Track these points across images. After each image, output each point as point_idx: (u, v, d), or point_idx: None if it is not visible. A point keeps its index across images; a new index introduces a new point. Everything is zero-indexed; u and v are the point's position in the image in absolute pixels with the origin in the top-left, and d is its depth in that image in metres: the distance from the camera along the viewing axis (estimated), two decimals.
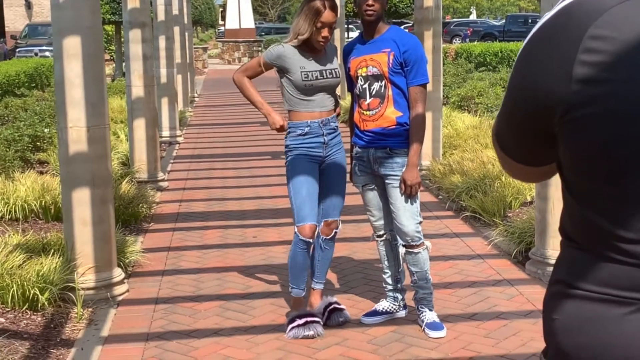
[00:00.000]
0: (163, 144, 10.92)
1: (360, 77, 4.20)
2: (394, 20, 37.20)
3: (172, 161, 10.16)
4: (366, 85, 4.18)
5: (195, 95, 19.47)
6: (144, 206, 6.95)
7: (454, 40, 37.04)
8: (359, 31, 9.49)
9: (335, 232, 4.36)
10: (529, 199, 6.61)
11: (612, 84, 0.99)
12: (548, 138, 1.11)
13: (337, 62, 4.35)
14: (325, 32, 4.13)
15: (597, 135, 1.02)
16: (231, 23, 35.15)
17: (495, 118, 1.25)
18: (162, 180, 8.49)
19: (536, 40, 1.09)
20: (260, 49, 34.60)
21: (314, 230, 4.19)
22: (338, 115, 4.40)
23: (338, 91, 4.48)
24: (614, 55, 0.99)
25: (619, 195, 1.03)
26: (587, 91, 1.01)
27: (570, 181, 1.12)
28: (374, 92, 4.17)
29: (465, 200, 6.74)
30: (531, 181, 1.34)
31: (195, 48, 26.36)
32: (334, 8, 4.16)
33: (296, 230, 4.19)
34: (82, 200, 4.69)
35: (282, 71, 4.23)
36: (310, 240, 4.19)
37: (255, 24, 40.10)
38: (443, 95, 10.22)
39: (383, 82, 4.14)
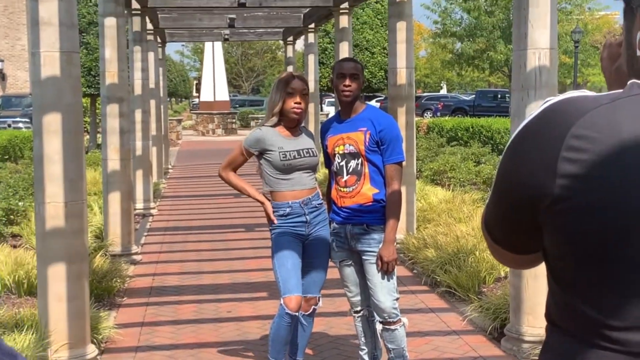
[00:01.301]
0: (137, 217, 10.88)
1: (337, 155, 4.28)
2: (366, 94, 37.82)
3: (145, 234, 10.11)
4: (343, 163, 4.26)
5: (169, 166, 19.50)
6: (118, 280, 6.90)
7: (425, 114, 37.67)
8: (333, 107, 9.58)
9: (315, 309, 4.38)
10: (502, 274, 6.66)
11: (592, 180, 1.06)
12: (534, 228, 1.16)
13: (313, 144, 4.45)
14: (297, 99, 4.24)
15: (579, 226, 1.08)
16: (206, 95, 35.48)
17: (484, 207, 1.31)
18: (136, 253, 8.44)
19: (523, 136, 1.16)
20: (234, 120, 34.88)
21: (299, 302, 4.20)
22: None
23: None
24: (594, 153, 1.06)
25: (604, 284, 1.08)
26: (570, 186, 1.07)
27: (555, 269, 1.17)
28: (351, 170, 4.24)
29: (440, 275, 6.77)
30: (519, 268, 1.39)
31: (169, 119, 26.50)
32: (302, 78, 4.34)
33: (282, 302, 4.19)
34: (57, 276, 4.66)
35: (261, 153, 4.32)
36: (296, 313, 4.20)
37: (230, 96, 40.50)
38: (416, 169, 10.35)
39: (360, 160, 4.23)
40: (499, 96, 36.56)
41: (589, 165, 1.06)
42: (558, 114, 1.11)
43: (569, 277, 1.14)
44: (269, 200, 4.36)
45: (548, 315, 1.22)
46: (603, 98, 1.10)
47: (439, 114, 35.96)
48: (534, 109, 1.19)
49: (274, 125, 4.34)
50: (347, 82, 4.20)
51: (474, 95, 40.99)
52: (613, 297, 1.07)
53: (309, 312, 4.35)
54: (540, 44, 4.90)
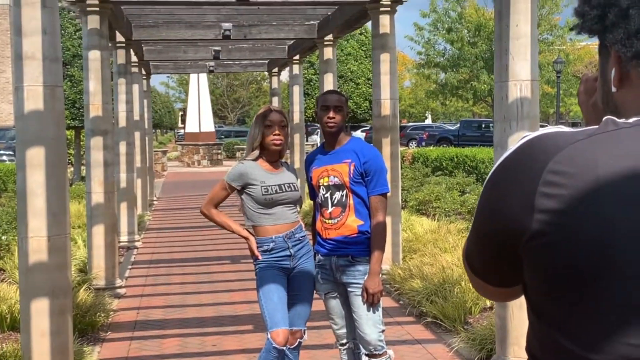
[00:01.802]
0: (121, 249, 10.81)
1: (322, 187, 4.29)
2: (352, 125, 37.99)
3: (130, 267, 10.05)
4: (328, 195, 4.27)
5: (154, 198, 19.43)
6: (101, 314, 6.83)
7: (410, 144, 37.83)
8: (318, 138, 9.64)
9: (300, 342, 4.35)
10: (488, 304, 6.66)
11: (569, 215, 1.07)
12: (513, 261, 1.17)
13: (296, 179, 4.46)
14: (275, 131, 4.26)
15: (558, 261, 1.09)
16: (191, 126, 35.52)
17: (465, 239, 1.31)
18: (120, 287, 8.38)
19: (501, 171, 1.17)
20: (220, 151, 34.88)
21: (287, 336, 4.18)
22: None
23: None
24: (571, 188, 1.07)
25: (584, 318, 1.09)
26: (547, 221, 1.09)
27: (535, 303, 1.17)
28: (335, 201, 4.25)
29: (426, 306, 6.76)
30: (500, 300, 1.39)
31: (154, 151, 26.48)
32: (279, 111, 4.39)
33: (269, 336, 4.17)
34: (40, 311, 4.61)
35: (243, 187, 4.33)
36: (284, 347, 4.17)
37: (215, 127, 40.57)
38: (401, 200, 10.37)
39: (344, 192, 4.23)
40: (483, 126, 36.79)
41: (565, 200, 1.07)
42: (535, 150, 1.12)
43: (549, 311, 1.14)
44: (253, 235, 4.36)
45: (529, 349, 1.22)
46: (579, 134, 1.12)
47: (424, 143, 36.13)
48: (516, 140, 1.21)
49: (256, 159, 4.36)
50: (331, 114, 4.22)
51: (458, 125, 41.24)
52: (594, 331, 1.08)
53: (294, 346, 4.32)
54: (521, 76, 4.95)
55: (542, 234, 1.09)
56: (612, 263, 1.05)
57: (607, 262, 1.05)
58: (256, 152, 4.35)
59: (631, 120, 1.11)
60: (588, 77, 1.31)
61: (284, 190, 4.32)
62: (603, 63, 1.22)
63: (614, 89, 1.19)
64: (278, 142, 4.30)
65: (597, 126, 1.13)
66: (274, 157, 4.40)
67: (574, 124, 50.47)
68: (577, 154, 1.08)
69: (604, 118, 1.13)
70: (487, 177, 1.21)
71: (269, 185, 4.28)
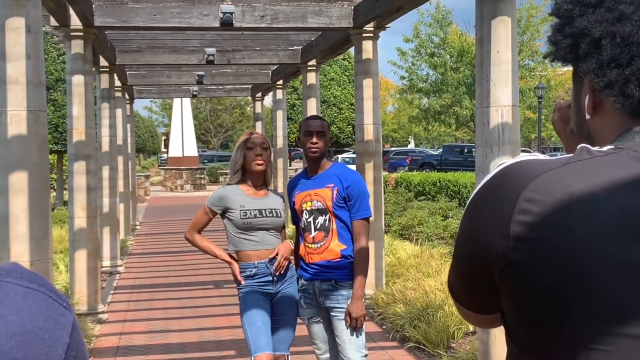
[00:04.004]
0: (104, 274, 10.75)
1: (305, 211, 4.31)
2: (335, 149, 38.08)
3: (112, 292, 9.98)
4: (311, 219, 4.28)
5: (137, 223, 19.35)
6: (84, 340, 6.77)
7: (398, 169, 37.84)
8: (302, 163, 9.65)
9: None
10: (471, 329, 6.67)
11: (541, 243, 1.08)
12: (493, 289, 1.18)
13: (280, 205, 4.46)
14: (257, 151, 4.28)
15: (533, 289, 1.10)
16: (174, 151, 35.46)
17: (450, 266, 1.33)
18: (102, 312, 8.32)
19: (478, 198, 1.19)
20: (203, 176, 34.83)
21: None
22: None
23: None
24: (542, 216, 1.08)
25: (561, 346, 1.10)
26: (521, 248, 1.10)
27: (513, 331, 1.18)
28: (318, 226, 4.26)
29: (409, 331, 6.76)
30: (483, 327, 1.40)
31: (137, 176, 26.40)
32: (261, 134, 4.46)
33: None
34: None
35: (224, 212, 4.34)
36: None
37: (199, 151, 40.53)
38: (384, 224, 10.40)
39: (327, 216, 4.25)
40: (466, 151, 36.98)
41: (539, 228, 1.08)
42: (510, 178, 1.14)
43: (525, 338, 1.15)
44: (236, 260, 4.36)
45: None
46: (554, 162, 1.13)
47: (406, 168, 36.24)
48: (497, 165, 1.22)
49: (239, 183, 4.38)
50: (314, 139, 4.25)
51: (441, 150, 41.42)
52: (570, 357, 1.09)
53: None
54: (502, 102, 5.01)
55: (517, 261, 1.10)
56: (587, 291, 1.06)
57: (581, 290, 1.06)
58: (238, 175, 4.37)
59: (605, 148, 1.13)
60: (561, 105, 1.33)
61: (265, 215, 4.33)
62: (577, 90, 1.24)
63: (587, 116, 1.21)
64: (260, 162, 4.32)
65: (571, 155, 1.15)
66: (259, 181, 4.41)
67: (555, 150, 50.82)
68: (550, 182, 1.10)
69: (579, 146, 1.15)
70: (466, 204, 1.23)
71: (248, 210, 4.30)
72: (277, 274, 4.33)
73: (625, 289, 1.05)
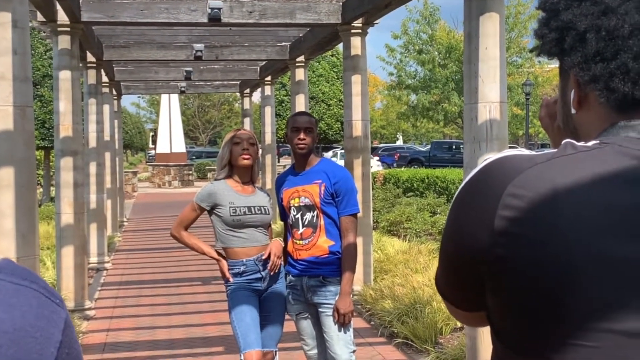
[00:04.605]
0: (91, 271, 10.71)
1: (292, 208, 4.30)
2: (324, 146, 38.09)
3: (99, 288, 9.95)
4: (299, 216, 4.28)
5: (125, 219, 19.29)
6: None
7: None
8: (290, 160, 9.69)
9: None
10: (459, 324, 6.68)
11: (524, 238, 1.08)
12: (479, 286, 1.17)
13: (268, 202, 4.46)
14: (244, 146, 4.28)
15: (519, 286, 1.09)
16: (162, 147, 35.36)
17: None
18: (89, 308, 8.30)
19: (463, 194, 1.18)
20: (191, 172, 34.76)
21: (260, 357, 4.17)
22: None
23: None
24: (526, 211, 1.08)
25: (547, 344, 1.09)
26: (506, 244, 1.09)
27: (498, 328, 1.18)
28: (306, 222, 4.26)
29: (397, 327, 6.77)
30: (472, 325, 1.39)
31: (125, 172, 26.32)
32: (248, 130, 4.46)
33: (242, 357, 4.16)
34: None
35: (212, 208, 4.33)
36: None
37: (187, 148, 40.45)
38: (373, 220, 10.41)
39: (315, 212, 4.25)
40: (454, 147, 37.05)
41: (523, 223, 1.08)
42: (495, 173, 1.13)
43: (513, 338, 1.14)
44: (224, 257, 4.35)
45: None
46: (539, 157, 1.13)
47: (395, 165, 36.28)
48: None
49: (226, 178, 4.37)
50: (302, 135, 4.24)
51: (429, 146, 41.48)
52: (554, 355, 1.08)
53: None
54: (490, 98, 5.02)
55: (501, 257, 1.10)
56: (571, 287, 1.06)
57: (565, 285, 1.06)
58: (225, 170, 4.36)
59: (590, 143, 1.13)
60: (548, 100, 1.33)
61: (254, 212, 4.32)
62: (563, 85, 1.24)
63: (573, 111, 1.21)
64: (247, 157, 4.31)
65: (556, 149, 1.14)
66: (246, 178, 4.40)
67: (542, 146, 51.01)
68: (535, 177, 1.09)
69: (564, 141, 1.14)
70: (452, 200, 1.22)
71: (238, 207, 4.29)
72: (272, 273, 4.32)
73: (610, 284, 1.05)
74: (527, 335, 1.11)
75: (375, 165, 30.88)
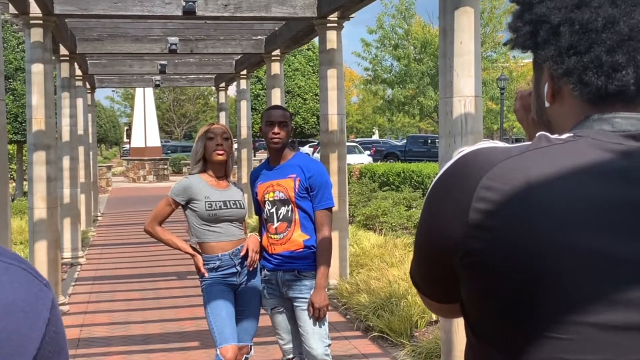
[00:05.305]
0: (64, 266, 10.62)
1: (267, 202, 4.29)
2: (299, 140, 38.05)
3: (73, 284, 9.86)
4: (273, 210, 4.26)
5: (99, 214, 19.15)
6: None
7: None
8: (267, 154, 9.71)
9: (247, 358, 4.33)
10: (434, 317, 6.71)
11: (498, 231, 1.08)
12: (451, 277, 1.17)
13: (242, 197, 4.45)
14: (218, 141, 4.26)
15: (492, 278, 1.09)
16: (137, 141, 35.12)
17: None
18: (63, 304, 8.22)
19: (438, 187, 1.18)
20: (166, 167, 34.58)
21: (236, 351, 4.16)
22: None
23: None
24: (500, 204, 1.08)
25: (521, 338, 1.09)
26: (480, 236, 1.09)
27: (472, 322, 1.18)
28: (281, 217, 4.25)
29: (372, 320, 6.78)
30: (446, 317, 1.39)
31: (99, 166, 26.12)
32: (222, 125, 4.44)
33: (218, 352, 4.14)
34: None
35: (187, 202, 4.30)
36: None
37: (162, 142, 40.22)
38: (349, 214, 10.41)
39: (290, 207, 4.24)
40: (429, 141, 37.20)
41: (497, 216, 1.08)
42: (469, 166, 1.13)
43: (487, 330, 1.14)
44: (199, 252, 4.33)
45: None
46: (513, 150, 1.12)
47: (371, 159, 36.35)
48: None
49: (201, 172, 4.35)
50: (276, 129, 4.23)
51: (405, 141, 41.59)
52: (526, 347, 1.08)
53: None
54: (465, 92, 5.03)
55: (475, 250, 1.09)
56: (544, 279, 1.06)
57: (539, 278, 1.06)
58: (199, 165, 4.34)
59: (564, 136, 1.13)
60: (523, 93, 1.32)
61: (229, 206, 4.31)
62: (537, 78, 1.23)
63: (547, 104, 1.21)
64: (221, 152, 4.29)
65: (530, 142, 1.14)
66: (220, 172, 4.38)
67: (517, 140, 51.34)
68: (509, 170, 1.09)
69: (537, 134, 1.14)
70: (427, 192, 1.22)
71: (213, 201, 4.27)
72: (250, 269, 4.31)
73: (584, 276, 1.05)
74: (500, 327, 1.11)
75: (367, 159, 30.93)
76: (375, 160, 34.37)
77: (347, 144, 34.16)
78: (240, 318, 4.32)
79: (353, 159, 26.60)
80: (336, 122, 8.73)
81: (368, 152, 35.05)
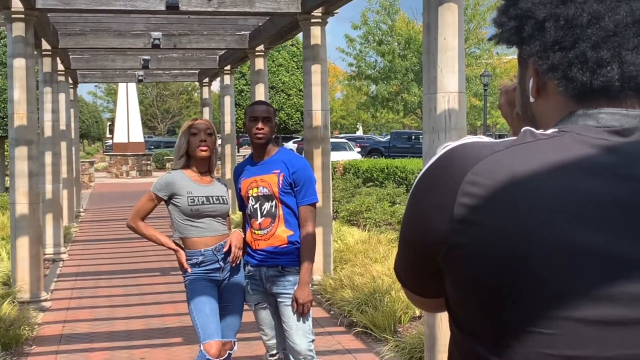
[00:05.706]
0: (47, 262, 10.55)
1: (251, 198, 4.28)
2: (283, 136, 38.01)
3: (56, 279, 9.81)
4: (257, 205, 4.26)
5: (81, 210, 19.05)
6: (26, 328, 6.65)
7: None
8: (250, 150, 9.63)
9: (230, 354, 4.32)
10: (417, 313, 6.73)
11: (483, 226, 1.08)
12: (436, 272, 1.17)
13: (225, 192, 4.44)
14: (202, 137, 4.25)
15: (476, 273, 1.09)
16: (120, 136, 34.97)
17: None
18: (45, 300, 8.17)
19: (422, 181, 1.18)
20: (149, 162, 34.43)
21: (220, 347, 4.15)
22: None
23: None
24: (485, 199, 1.08)
25: (504, 332, 1.09)
26: (465, 231, 1.09)
27: (457, 316, 1.18)
28: (265, 212, 4.24)
29: (356, 316, 6.79)
30: (430, 311, 1.39)
31: (81, 162, 25.96)
32: (205, 120, 4.42)
33: (202, 348, 4.13)
34: None
35: (170, 198, 4.28)
36: (217, 359, 4.14)
37: (145, 137, 40.03)
38: (333, 210, 10.41)
39: (274, 202, 4.23)
40: (413, 137, 37.28)
41: (482, 211, 1.08)
42: (454, 160, 1.13)
43: (467, 321, 1.14)
44: (182, 248, 4.31)
45: (450, 359, 1.22)
46: (498, 145, 1.12)
47: (360, 156, 36.40)
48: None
49: (184, 167, 4.34)
50: (260, 125, 4.22)
51: (389, 137, 41.65)
52: (510, 341, 1.08)
53: (224, 357, 4.29)
54: (449, 88, 5.04)
55: (460, 245, 1.09)
56: (529, 274, 1.06)
57: (523, 273, 1.06)
58: (183, 160, 4.33)
59: (549, 131, 1.13)
60: (508, 88, 1.32)
61: (212, 202, 4.30)
62: (522, 73, 1.23)
63: (532, 99, 1.21)
64: (204, 148, 4.28)
65: (515, 137, 1.14)
66: (204, 168, 4.37)
67: (500, 136, 51.58)
68: (494, 165, 1.09)
69: (522, 129, 1.14)
70: (412, 187, 1.22)
71: (196, 196, 4.26)
72: (233, 265, 4.30)
73: (568, 271, 1.05)
74: (484, 322, 1.11)
75: (357, 156, 30.91)
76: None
77: (338, 140, 34.34)
78: (223, 314, 4.31)
79: (343, 156, 26.51)
80: (320, 118, 8.72)
81: (358, 149, 35.07)
